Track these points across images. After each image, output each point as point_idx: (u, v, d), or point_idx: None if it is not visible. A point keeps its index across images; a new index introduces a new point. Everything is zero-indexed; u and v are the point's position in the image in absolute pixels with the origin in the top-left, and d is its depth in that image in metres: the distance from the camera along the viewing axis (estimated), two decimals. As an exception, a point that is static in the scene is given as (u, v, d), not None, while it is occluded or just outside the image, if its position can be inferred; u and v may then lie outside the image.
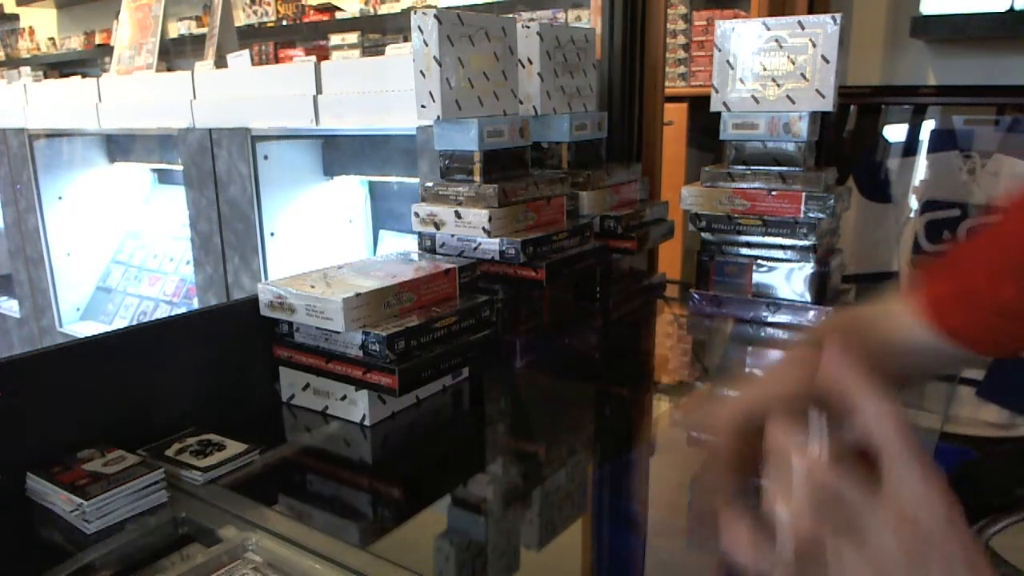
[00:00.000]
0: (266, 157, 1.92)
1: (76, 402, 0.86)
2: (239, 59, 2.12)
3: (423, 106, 1.15)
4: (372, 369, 0.94)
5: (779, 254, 1.35)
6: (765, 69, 1.30)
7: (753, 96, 1.32)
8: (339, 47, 4.39)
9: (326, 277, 1.04)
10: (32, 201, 2.58)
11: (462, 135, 1.18)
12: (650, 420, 1.12)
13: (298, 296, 0.97)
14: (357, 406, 0.99)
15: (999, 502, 0.81)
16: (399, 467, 0.96)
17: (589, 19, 1.57)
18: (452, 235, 1.21)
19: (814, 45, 1.26)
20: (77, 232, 2.69)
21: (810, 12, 2.03)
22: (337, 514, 0.84)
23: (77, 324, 2.71)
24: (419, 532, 0.81)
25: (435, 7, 1.23)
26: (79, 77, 3.58)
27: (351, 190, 2.12)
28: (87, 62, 5.90)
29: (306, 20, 4.63)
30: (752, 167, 1.36)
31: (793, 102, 1.29)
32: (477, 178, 1.20)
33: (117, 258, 2.79)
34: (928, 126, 2.17)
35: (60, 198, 2.61)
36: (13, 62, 6.19)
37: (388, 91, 1.66)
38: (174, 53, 3.10)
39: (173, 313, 2.23)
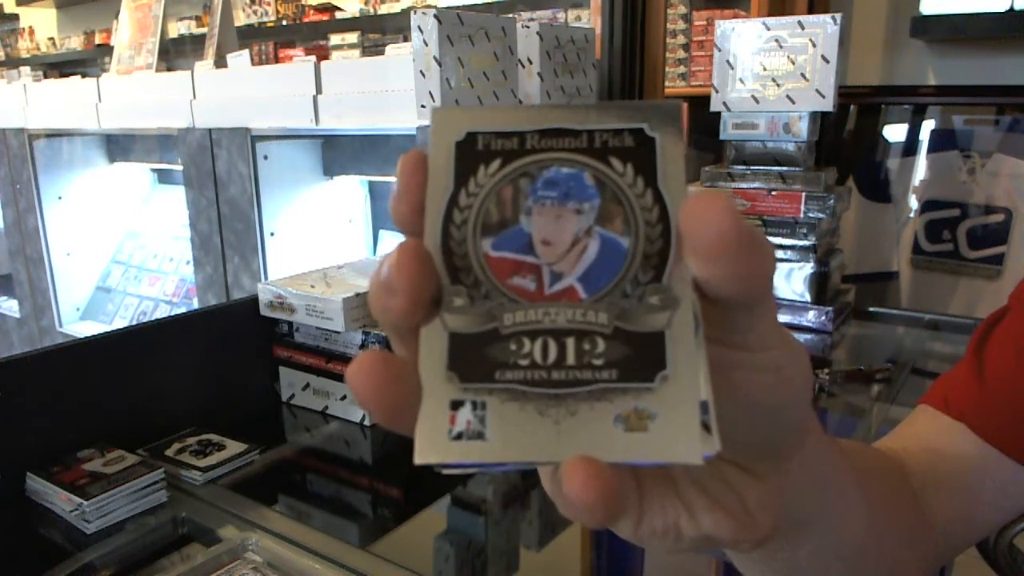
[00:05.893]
0: (266, 157, 1.92)
1: (76, 402, 0.86)
2: (239, 59, 2.12)
3: (423, 106, 1.15)
4: (372, 369, 0.94)
5: (779, 254, 1.35)
6: (765, 69, 1.30)
7: (753, 96, 1.32)
8: (339, 47, 4.39)
9: (326, 277, 1.04)
10: (32, 201, 2.58)
11: (462, 135, 1.18)
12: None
13: (298, 296, 0.97)
14: (357, 406, 0.99)
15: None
16: (399, 467, 0.96)
17: (589, 19, 1.57)
18: (452, 235, 1.21)
19: (814, 45, 1.26)
20: (77, 232, 2.69)
21: (810, 12, 2.03)
22: (337, 514, 0.84)
23: (77, 324, 2.70)
24: (419, 532, 0.81)
25: (435, 7, 1.23)
26: (79, 77, 3.58)
27: (351, 190, 2.12)
28: (87, 62, 5.90)
29: (306, 20, 4.63)
30: (752, 167, 1.36)
31: (793, 102, 1.29)
32: (477, 178, 1.20)
33: (117, 258, 2.79)
34: (928, 126, 2.17)
35: (60, 198, 2.60)
36: (13, 62, 6.19)
37: (388, 91, 1.66)
38: (174, 53, 3.11)
39: (173, 313, 2.23)
